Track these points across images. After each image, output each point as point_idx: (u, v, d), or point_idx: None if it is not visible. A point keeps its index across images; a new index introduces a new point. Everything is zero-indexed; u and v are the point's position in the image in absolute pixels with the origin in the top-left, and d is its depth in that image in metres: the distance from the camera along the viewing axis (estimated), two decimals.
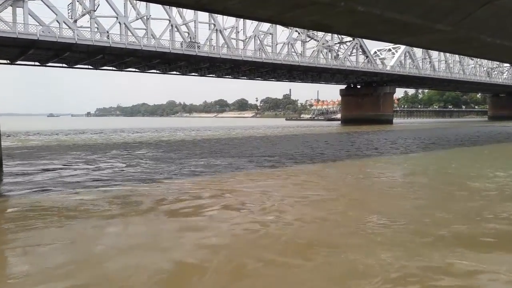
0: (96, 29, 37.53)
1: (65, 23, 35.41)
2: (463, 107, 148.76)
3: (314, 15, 24.34)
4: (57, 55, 37.13)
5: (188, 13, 44.26)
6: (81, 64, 43.07)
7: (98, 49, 36.08)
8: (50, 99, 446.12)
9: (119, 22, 38.78)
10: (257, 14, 21.75)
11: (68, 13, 38.57)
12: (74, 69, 45.49)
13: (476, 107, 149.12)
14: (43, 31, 33.55)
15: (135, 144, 24.13)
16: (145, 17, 40.82)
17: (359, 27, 27.54)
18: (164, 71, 49.26)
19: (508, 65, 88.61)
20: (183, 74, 51.66)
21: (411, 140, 26.86)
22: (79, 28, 36.74)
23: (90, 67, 45.02)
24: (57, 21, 35.38)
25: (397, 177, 11.60)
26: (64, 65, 43.33)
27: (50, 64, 42.07)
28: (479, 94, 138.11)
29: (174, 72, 50.52)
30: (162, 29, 41.82)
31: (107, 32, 37.22)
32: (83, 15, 38.36)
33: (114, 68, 46.23)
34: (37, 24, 33.65)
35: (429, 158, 16.34)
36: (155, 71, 48.66)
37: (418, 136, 31.99)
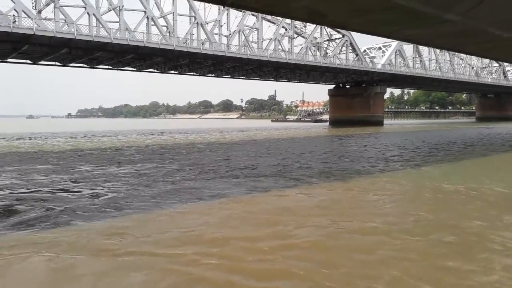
0: (64, 21, 33.57)
1: (24, 12, 31.26)
2: (449, 108, 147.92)
3: None
4: (15, 48, 32.81)
5: (166, 5, 40.61)
6: (46, 60, 38.70)
7: (62, 42, 31.92)
8: (30, 100, 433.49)
9: (88, 13, 34.73)
10: None
11: (32, 2, 34.59)
12: (40, 65, 41.26)
13: (462, 108, 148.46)
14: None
15: (114, 152, 20.29)
16: (117, 8, 36.93)
17: (358, 16, 24.16)
18: (140, 69, 45.15)
19: (497, 65, 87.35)
20: (161, 72, 47.59)
21: (422, 144, 23.70)
22: (43, 19, 32.71)
23: (57, 63, 40.64)
24: (15, 10, 31.23)
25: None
26: (27, 61, 38.92)
27: (10, 60, 37.63)
28: (465, 95, 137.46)
29: (151, 70, 46.45)
30: (142, 23, 37.93)
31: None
32: (47, 4, 34.30)
33: (84, 65, 42.04)
34: None
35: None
36: (129, 68, 44.46)
37: (425, 139, 28.91)
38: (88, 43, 32.88)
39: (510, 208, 7.22)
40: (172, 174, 11.71)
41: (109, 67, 43.74)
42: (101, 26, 34.62)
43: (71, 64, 41.44)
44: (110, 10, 37.18)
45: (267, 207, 7.40)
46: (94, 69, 43.82)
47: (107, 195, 8.67)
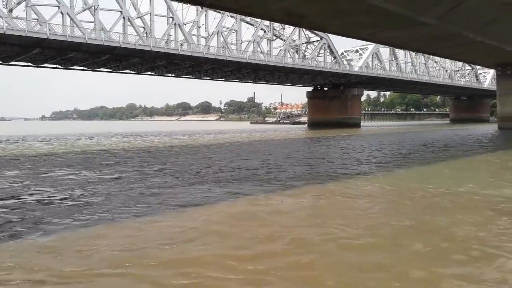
0: (36, 20, 32.42)
1: None
2: (424, 109, 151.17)
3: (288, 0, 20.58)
4: None
5: (143, 5, 39.79)
6: (18, 60, 37.28)
7: (34, 42, 30.80)
8: (2, 102, 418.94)
9: (61, 12, 33.67)
10: None
11: (3, 1, 33.31)
12: (11, 66, 39.70)
13: (436, 109, 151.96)
14: None
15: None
16: (92, 8, 35.97)
17: (337, 18, 24.25)
18: (116, 70, 44.09)
19: (469, 68, 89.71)
20: (137, 73, 46.69)
21: (400, 146, 23.83)
22: (14, 18, 31.50)
23: (29, 64, 39.25)
24: None
25: None
26: None
27: None
28: (439, 97, 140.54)
29: (128, 71, 45.44)
30: (118, 24, 37.07)
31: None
32: (19, 3, 33.10)
33: (58, 66, 40.77)
34: None
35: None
36: (105, 69, 43.37)
37: (403, 141, 29.14)
38: (62, 43, 31.87)
39: (499, 211, 7.13)
40: (150, 180, 11.23)
41: (84, 68, 42.55)
42: (75, 26, 33.65)
43: (44, 65, 40.10)
44: (84, 10, 36.21)
45: (253, 218, 6.97)
46: (70, 70, 42.66)
47: (77, 203, 8.16)
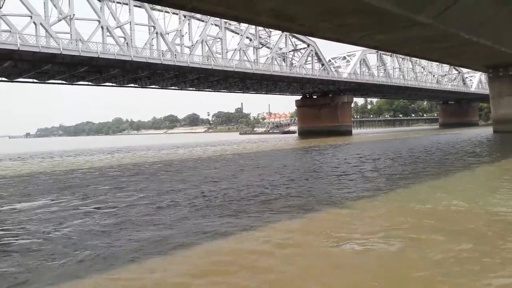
0: (9, 32, 30.37)
1: None
2: (412, 115, 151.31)
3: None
4: None
5: (123, 14, 37.99)
6: None
7: (4, 54, 28.67)
8: None
9: (34, 23, 31.67)
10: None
11: None
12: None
13: (424, 115, 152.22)
14: None
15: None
16: (68, 17, 34.05)
17: (328, 19, 22.62)
18: (96, 83, 41.90)
19: (456, 72, 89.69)
20: (119, 86, 44.60)
21: (401, 155, 22.27)
22: None
23: (3, 79, 37.04)
24: None
25: None
26: None
27: None
28: (426, 102, 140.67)
29: (109, 84, 43.34)
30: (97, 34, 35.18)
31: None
32: None
33: (34, 80, 38.59)
34: None
35: None
36: (85, 82, 41.21)
37: (402, 149, 27.66)
38: (34, 54, 29.78)
39: None
40: (150, 211, 9.27)
41: (63, 82, 40.32)
42: (50, 36, 31.67)
43: (18, 79, 37.88)
44: (60, 20, 34.27)
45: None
46: (54, 86, 40.64)
47: (39, 249, 6.24)
